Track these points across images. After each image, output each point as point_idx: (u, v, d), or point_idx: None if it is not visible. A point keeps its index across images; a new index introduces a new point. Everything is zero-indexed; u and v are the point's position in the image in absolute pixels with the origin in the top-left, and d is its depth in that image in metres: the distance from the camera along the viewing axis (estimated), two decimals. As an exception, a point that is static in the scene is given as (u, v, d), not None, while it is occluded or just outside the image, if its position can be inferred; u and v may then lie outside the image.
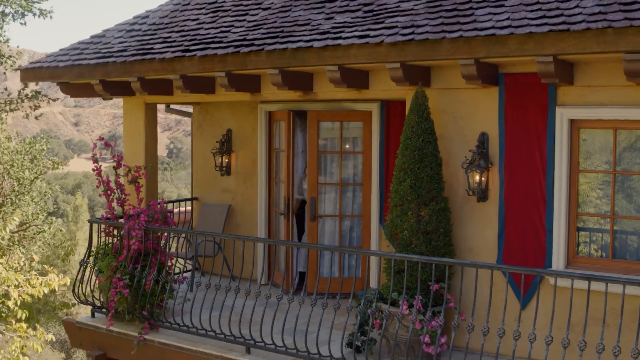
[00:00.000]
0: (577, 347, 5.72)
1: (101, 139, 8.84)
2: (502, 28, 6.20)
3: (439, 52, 6.50)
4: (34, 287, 4.76)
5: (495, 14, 6.51)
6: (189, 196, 11.68)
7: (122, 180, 8.72)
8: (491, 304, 6.25)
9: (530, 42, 6.01)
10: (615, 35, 5.62)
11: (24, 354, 4.73)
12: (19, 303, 5.20)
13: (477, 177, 7.02)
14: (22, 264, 8.00)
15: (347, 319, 7.02)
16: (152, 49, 8.62)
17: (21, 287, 4.69)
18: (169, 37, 8.83)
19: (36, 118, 17.90)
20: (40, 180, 22.81)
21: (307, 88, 8.09)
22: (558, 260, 6.76)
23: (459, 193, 7.21)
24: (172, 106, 11.38)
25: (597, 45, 5.73)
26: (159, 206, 8.43)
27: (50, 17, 17.92)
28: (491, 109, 7.07)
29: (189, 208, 11.44)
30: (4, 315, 4.57)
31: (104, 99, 10.11)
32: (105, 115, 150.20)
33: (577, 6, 6.12)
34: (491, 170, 7.08)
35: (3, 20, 16.33)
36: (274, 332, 7.22)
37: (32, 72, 9.62)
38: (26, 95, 16.40)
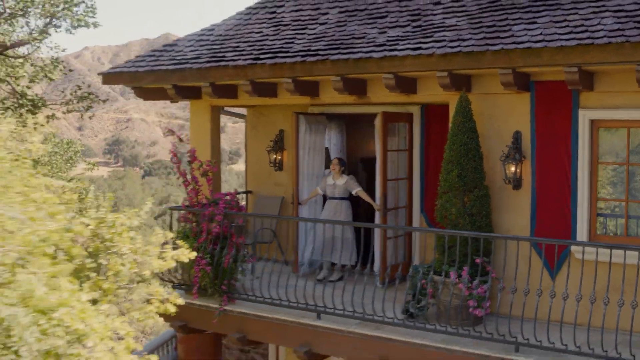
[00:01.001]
0: (602, 303, 6.99)
1: (171, 131, 10.15)
2: (536, 42, 7.49)
3: (482, 62, 7.78)
4: (165, 261, 5.82)
5: (529, 29, 7.79)
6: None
7: (195, 173, 10.00)
8: (529, 275, 7.51)
9: (560, 53, 7.29)
10: (632, 49, 6.90)
11: (161, 315, 5.81)
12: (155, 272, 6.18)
13: (513, 169, 8.30)
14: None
15: (395, 293, 8.30)
16: (224, 57, 9.90)
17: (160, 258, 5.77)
18: (238, 46, 10.11)
19: (90, 118, 19.16)
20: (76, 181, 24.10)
21: (362, 93, 9.36)
22: (582, 238, 8.02)
23: (497, 182, 8.49)
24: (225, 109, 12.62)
25: (616, 56, 7.01)
26: (228, 197, 9.69)
27: (95, 27, 19.15)
28: (524, 111, 8.35)
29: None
30: (141, 282, 5.38)
31: (172, 102, 11.38)
32: (108, 120, 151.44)
33: (599, 23, 7.40)
34: (524, 163, 8.35)
35: (55, 31, 17.58)
36: (337, 302, 8.50)
37: (113, 77, 10.91)
38: (79, 96, 17.63)
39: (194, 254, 6.15)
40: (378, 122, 9.98)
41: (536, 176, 8.29)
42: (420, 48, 8.23)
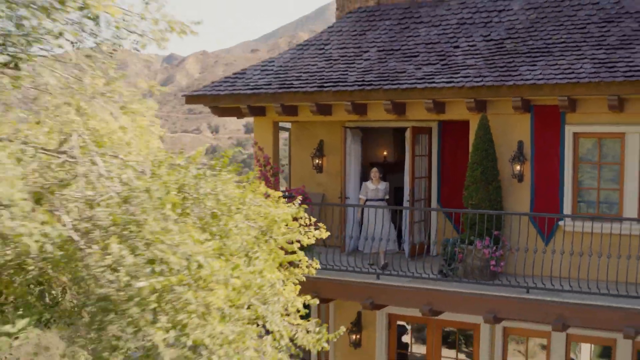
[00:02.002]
0: (587, 255, 10.38)
1: (257, 146, 13.17)
2: (538, 80, 10.84)
3: (500, 93, 11.11)
4: (309, 238, 8.39)
5: (532, 70, 11.16)
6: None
7: (268, 174, 13.02)
8: (527, 240, 10.84)
9: (556, 88, 10.67)
10: (605, 86, 10.31)
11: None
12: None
13: (518, 167, 11.63)
14: None
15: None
16: (292, 84, 12.97)
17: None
18: (300, 76, 13.20)
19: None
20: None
21: (402, 113, 12.55)
22: (567, 221, 11.38)
23: (506, 177, 11.79)
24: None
25: (595, 91, 10.44)
26: (300, 191, 12.74)
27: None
28: (525, 126, 11.69)
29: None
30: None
31: (239, 118, 14.36)
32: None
33: (581, 67, 10.81)
34: (525, 163, 11.69)
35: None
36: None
37: (196, 98, 13.85)
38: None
39: (328, 233, 8.79)
40: (408, 133, 13.22)
41: (534, 172, 11.63)
42: (452, 81, 11.51)
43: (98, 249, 5.63)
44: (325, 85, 12.58)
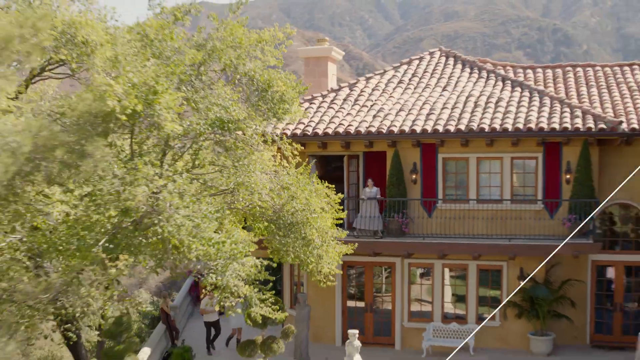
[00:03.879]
0: (450, 220, 20.65)
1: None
2: (424, 131, 21.01)
3: (404, 137, 21.19)
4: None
5: (422, 126, 21.33)
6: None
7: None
8: (418, 216, 20.99)
9: (436, 135, 20.87)
10: (458, 136, 20.63)
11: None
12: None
13: (414, 176, 21.70)
14: None
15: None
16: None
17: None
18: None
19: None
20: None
21: (348, 148, 22.27)
22: (440, 203, 21.57)
23: (408, 181, 21.79)
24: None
25: (453, 136, 20.74)
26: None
27: None
28: (417, 154, 21.76)
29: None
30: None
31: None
32: None
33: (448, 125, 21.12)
34: (417, 174, 21.76)
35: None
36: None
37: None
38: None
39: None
40: (345, 159, 23.02)
41: (422, 178, 21.73)
42: (381, 130, 21.43)
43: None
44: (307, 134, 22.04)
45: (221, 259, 12.39)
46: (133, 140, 12.39)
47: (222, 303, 13.68)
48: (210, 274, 12.64)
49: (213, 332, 22.14)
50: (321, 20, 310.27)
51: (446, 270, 22.09)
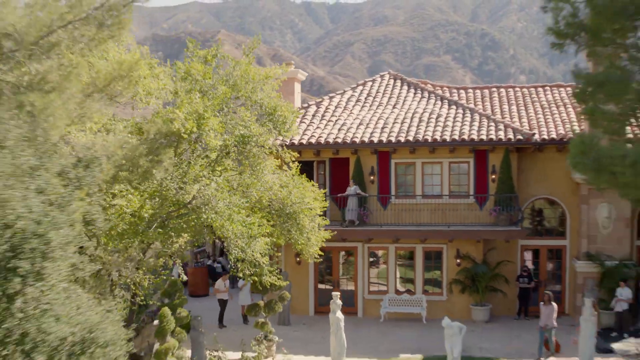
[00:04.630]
0: (402, 212, 26.04)
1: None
2: (382, 142, 26.33)
3: (364, 146, 26.43)
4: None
5: (378, 137, 26.64)
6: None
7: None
8: (378, 210, 26.31)
9: (389, 145, 26.19)
10: (408, 145, 26.01)
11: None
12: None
13: (372, 177, 26.96)
14: None
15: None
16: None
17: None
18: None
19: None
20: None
21: (319, 155, 27.38)
22: (393, 198, 26.89)
23: (367, 182, 27.02)
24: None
25: (404, 146, 26.11)
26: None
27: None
28: (374, 160, 27.01)
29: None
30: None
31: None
32: None
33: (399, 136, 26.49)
34: (375, 175, 27.02)
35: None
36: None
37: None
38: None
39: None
40: (315, 164, 28.12)
41: (379, 179, 26.99)
42: (346, 140, 26.61)
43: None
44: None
45: (246, 237, 17.34)
46: (184, 151, 17.25)
47: (244, 272, 18.55)
48: (236, 249, 17.56)
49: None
50: (252, 24, 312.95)
51: (399, 252, 27.45)
